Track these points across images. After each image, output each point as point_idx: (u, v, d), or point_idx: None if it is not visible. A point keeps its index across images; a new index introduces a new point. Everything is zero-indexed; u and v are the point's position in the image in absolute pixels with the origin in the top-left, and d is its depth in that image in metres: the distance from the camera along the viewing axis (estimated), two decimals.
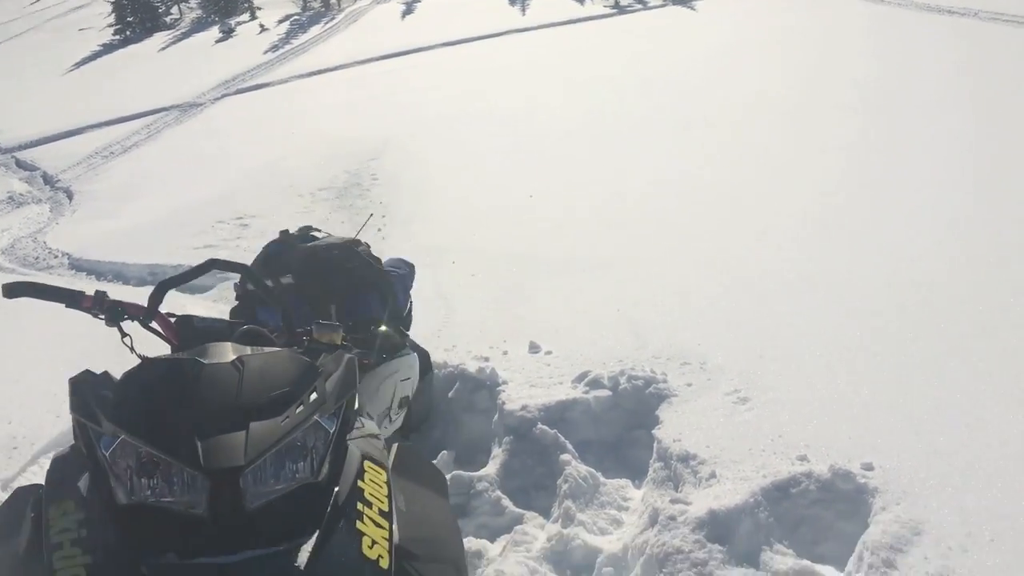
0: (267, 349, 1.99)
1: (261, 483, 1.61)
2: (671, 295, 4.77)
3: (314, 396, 1.76)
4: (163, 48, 27.35)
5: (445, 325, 4.86)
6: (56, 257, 9.47)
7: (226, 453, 1.58)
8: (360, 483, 1.79)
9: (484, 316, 4.89)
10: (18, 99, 20.72)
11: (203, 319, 2.27)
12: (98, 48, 29.40)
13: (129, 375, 1.74)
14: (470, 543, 3.07)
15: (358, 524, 1.67)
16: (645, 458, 3.35)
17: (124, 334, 2.27)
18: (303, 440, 1.71)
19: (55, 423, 4.03)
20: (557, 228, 6.93)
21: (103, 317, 2.29)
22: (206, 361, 1.78)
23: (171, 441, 1.59)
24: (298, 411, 1.70)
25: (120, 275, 8.87)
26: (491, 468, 3.42)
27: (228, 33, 26.90)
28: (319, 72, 18.74)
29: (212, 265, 2.34)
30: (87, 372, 1.83)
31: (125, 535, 1.57)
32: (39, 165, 14.84)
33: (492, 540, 3.14)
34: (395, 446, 2.18)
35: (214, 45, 25.79)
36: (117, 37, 30.81)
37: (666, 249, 5.71)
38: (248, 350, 1.94)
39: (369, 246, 3.71)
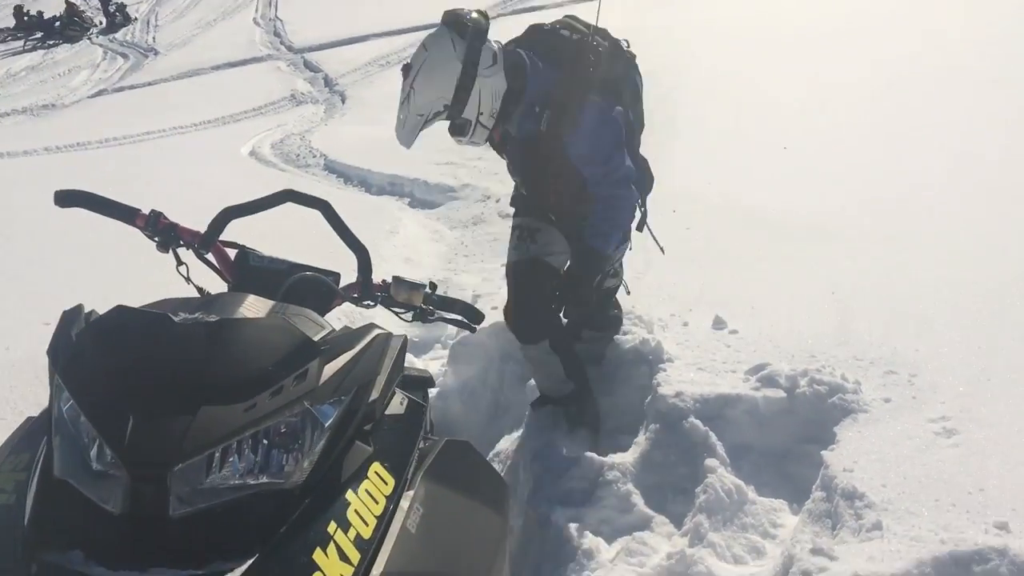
0: (291, 310, 1.70)
1: (195, 485, 1.31)
2: (903, 285, 4.01)
3: (302, 381, 1.45)
4: None
5: (636, 280, 4.42)
6: (315, 157, 9.94)
7: (157, 441, 1.30)
8: (351, 494, 1.46)
9: (680, 276, 4.39)
10: (312, 2, 21.97)
11: (261, 256, 2.03)
12: None
13: (95, 324, 1.51)
14: (584, 538, 2.71)
15: (315, 553, 1.32)
16: (811, 479, 2.78)
17: (180, 262, 2.09)
18: (281, 432, 1.42)
19: None
20: (800, 187, 6.18)
21: (156, 240, 2.12)
22: (202, 317, 1.53)
23: (104, 415, 1.34)
24: (272, 398, 1.40)
25: (364, 182, 9.16)
26: (629, 456, 3.00)
27: None
28: None
29: (288, 197, 2.09)
30: (79, 307, 1.63)
31: (43, 516, 1.35)
32: (322, 67, 15.73)
33: (609, 541, 2.74)
34: (444, 441, 1.83)
35: None
36: None
37: (914, 231, 4.85)
38: (266, 306, 1.66)
39: None
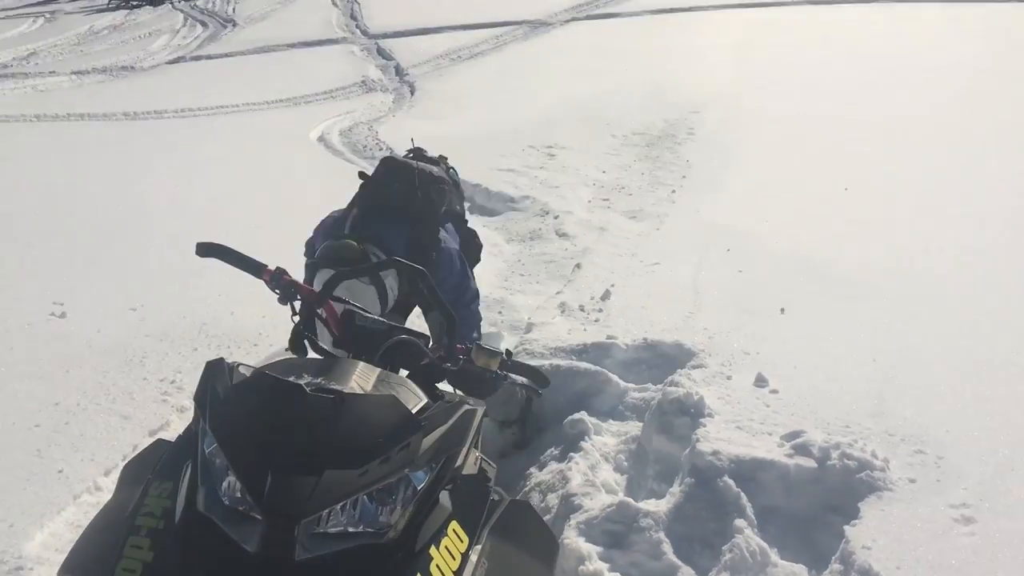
0: (394, 379, 1.97)
1: (318, 537, 1.59)
2: (944, 358, 4.17)
3: (405, 452, 1.72)
4: None
5: (683, 324, 4.63)
6: (381, 150, 10.21)
7: (290, 497, 1.58)
8: (433, 549, 1.73)
9: (727, 325, 4.58)
10: None
11: (365, 316, 2.30)
12: None
13: (239, 387, 1.79)
14: None
15: None
16: (833, 547, 2.99)
17: (295, 312, 2.37)
18: (382, 492, 1.69)
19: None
20: (858, 234, 6.31)
21: (278, 292, 2.40)
22: (324, 383, 1.79)
23: (247, 468, 1.62)
24: (380, 466, 1.67)
25: None
26: (663, 505, 3.23)
27: None
28: (671, 11, 18.31)
29: (393, 264, 2.36)
30: (221, 360, 1.91)
31: (188, 547, 1.63)
32: (395, 56, 16.00)
33: None
34: (507, 501, 2.10)
35: None
36: None
37: (965, 296, 4.99)
38: (374, 375, 1.93)
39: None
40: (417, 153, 3.87)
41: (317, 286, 2.89)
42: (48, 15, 24.17)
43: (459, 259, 3.51)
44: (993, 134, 9.14)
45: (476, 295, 3.60)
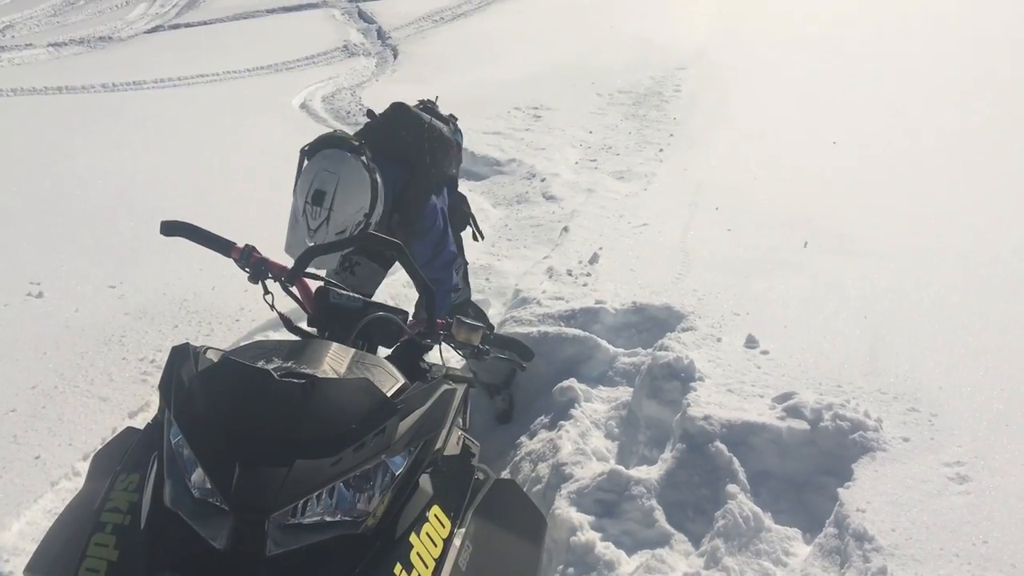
0: (368, 359, 1.89)
1: (290, 530, 1.52)
2: (935, 314, 4.12)
3: (381, 437, 1.64)
4: None
5: (672, 286, 4.56)
6: (364, 116, 10.02)
7: (259, 490, 1.49)
8: (413, 536, 1.65)
9: (717, 286, 4.52)
10: None
11: (340, 294, 2.21)
12: None
13: (205, 373, 1.70)
14: (606, 549, 2.90)
15: None
16: (827, 510, 2.94)
17: (267, 291, 2.29)
18: (359, 479, 1.61)
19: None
20: (846, 191, 6.24)
21: (248, 271, 2.31)
22: (294, 367, 1.71)
23: (214, 460, 1.54)
24: (355, 453, 1.59)
25: None
26: (654, 472, 3.18)
27: None
28: None
29: (367, 238, 2.27)
30: (186, 345, 1.82)
31: (155, 544, 1.56)
32: (376, 19, 15.74)
33: (630, 554, 2.93)
34: (492, 480, 2.02)
35: None
36: None
37: (957, 252, 4.93)
38: (348, 356, 1.85)
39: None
40: (428, 107, 3.73)
41: (301, 186, 2.83)
42: None
43: (443, 218, 3.42)
44: (990, 80, 9.05)
45: (453, 257, 3.50)
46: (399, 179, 3.23)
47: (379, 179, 3.00)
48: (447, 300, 3.53)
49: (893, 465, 3.00)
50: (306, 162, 2.95)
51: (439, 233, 3.39)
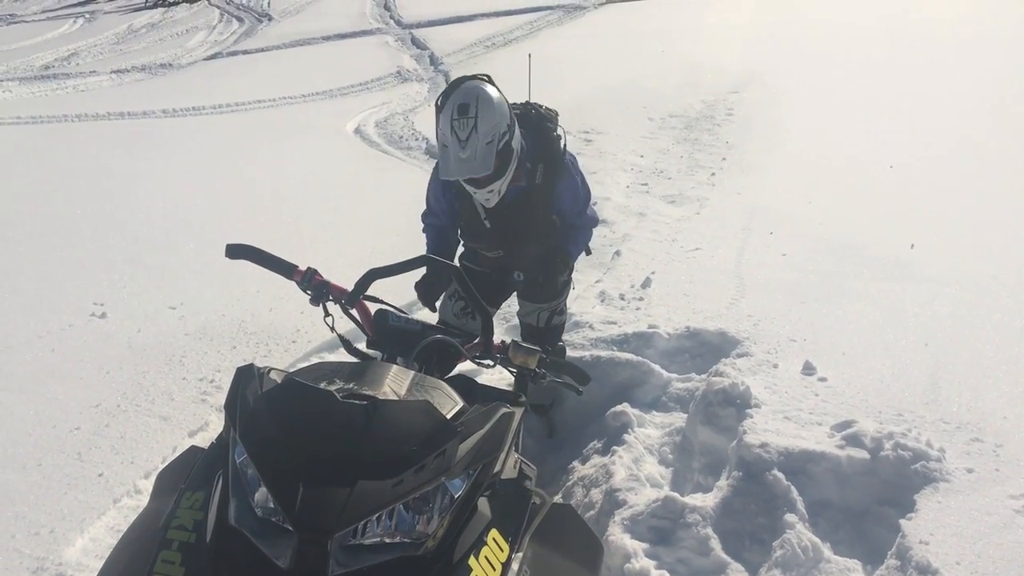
0: (428, 383, 1.90)
1: (352, 550, 1.54)
2: (997, 342, 4.02)
3: (441, 459, 1.65)
4: None
5: (727, 311, 4.52)
6: (416, 140, 10.16)
7: (322, 510, 1.52)
8: (472, 560, 1.66)
9: (773, 312, 4.47)
10: None
11: (399, 317, 2.24)
12: None
13: (269, 395, 1.73)
14: None
15: None
16: (888, 542, 2.88)
17: (327, 313, 2.33)
18: (418, 501, 1.62)
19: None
20: (904, 215, 6.13)
21: (310, 293, 2.35)
22: (356, 388, 1.74)
23: (278, 480, 1.57)
24: (416, 475, 1.60)
25: None
26: (709, 500, 3.14)
27: None
28: None
29: (425, 261, 2.29)
30: (251, 366, 1.86)
31: (220, 563, 1.58)
32: (429, 45, 15.92)
33: None
34: (549, 505, 2.02)
35: None
36: None
37: (1018, 280, 4.81)
38: (408, 378, 1.87)
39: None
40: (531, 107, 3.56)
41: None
42: (88, 15, 24.47)
43: (583, 178, 3.47)
44: None
45: (595, 215, 3.58)
46: (530, 139, 3.25)
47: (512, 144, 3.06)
48: (586, 244, 3.61)
49: (957, 496, 2.93)
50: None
51: (585, 188, 3.46)
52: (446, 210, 3.45)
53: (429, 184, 3.46)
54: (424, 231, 3.57)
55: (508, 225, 3.35)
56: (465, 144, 2.92)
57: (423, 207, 3.53)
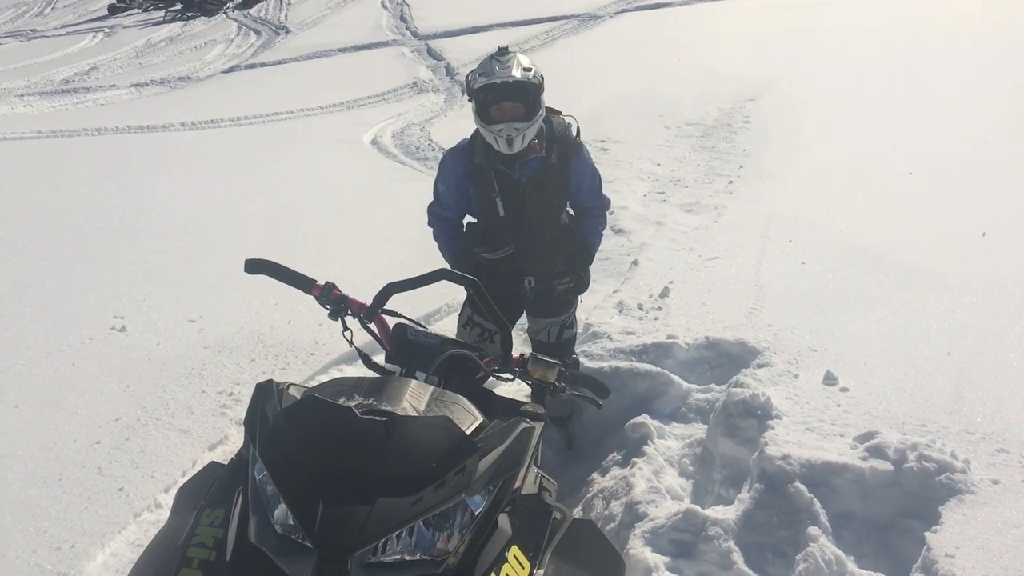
0: (447, 397, 1.89)
1: (372, 568, 1.52)
2: (1022, 350, 3.97)
3: (461, 476, 1.64)
4: None
5: (746, 321, 4.49)
6: (433, 150, 10.19)
7: (342, 527, 1.51)
8: None
9: (793, 321, 4.43)
10: None
11: (417, 331, 2.23)
12: None
13: (289, 411, 1.73)
14: None
15: None
16: (913, 555, 2.84)
17: (346, 328, 2.32)
18: (439, 518, 1.61)
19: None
20: (924, 223, 6.08)
21: (328, 308, 2.35)
22: (375, 404, 1.73)
23: (297, 497, 1.56)
24: (436, 492, 1.59)
25: None
26: (731, 512, 3.11)
27: None
28: None
29: (442, 275, 2.28)
30: (270, 383, 1.86)
31: None
32: (445, 56, 15.98)
33: None
34: (570, 521, 2.01)
35: None
36: None
37: None
38: (427, 393, 1.86)
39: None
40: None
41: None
42: (107, 30, 24.72)
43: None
44: None
45: (607, 198, 3.67)
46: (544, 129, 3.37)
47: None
48: (599, 236, 3.67)
49: (983, 509, 2.89)
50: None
51: (597, 171, 3.54)
52: (457, 199, 3.45)
53: (440, 171, 3.48)
54: (430, 224, 3.57)
55: (522, 210, 3.37)
56: (506, 65, 3.15)
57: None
